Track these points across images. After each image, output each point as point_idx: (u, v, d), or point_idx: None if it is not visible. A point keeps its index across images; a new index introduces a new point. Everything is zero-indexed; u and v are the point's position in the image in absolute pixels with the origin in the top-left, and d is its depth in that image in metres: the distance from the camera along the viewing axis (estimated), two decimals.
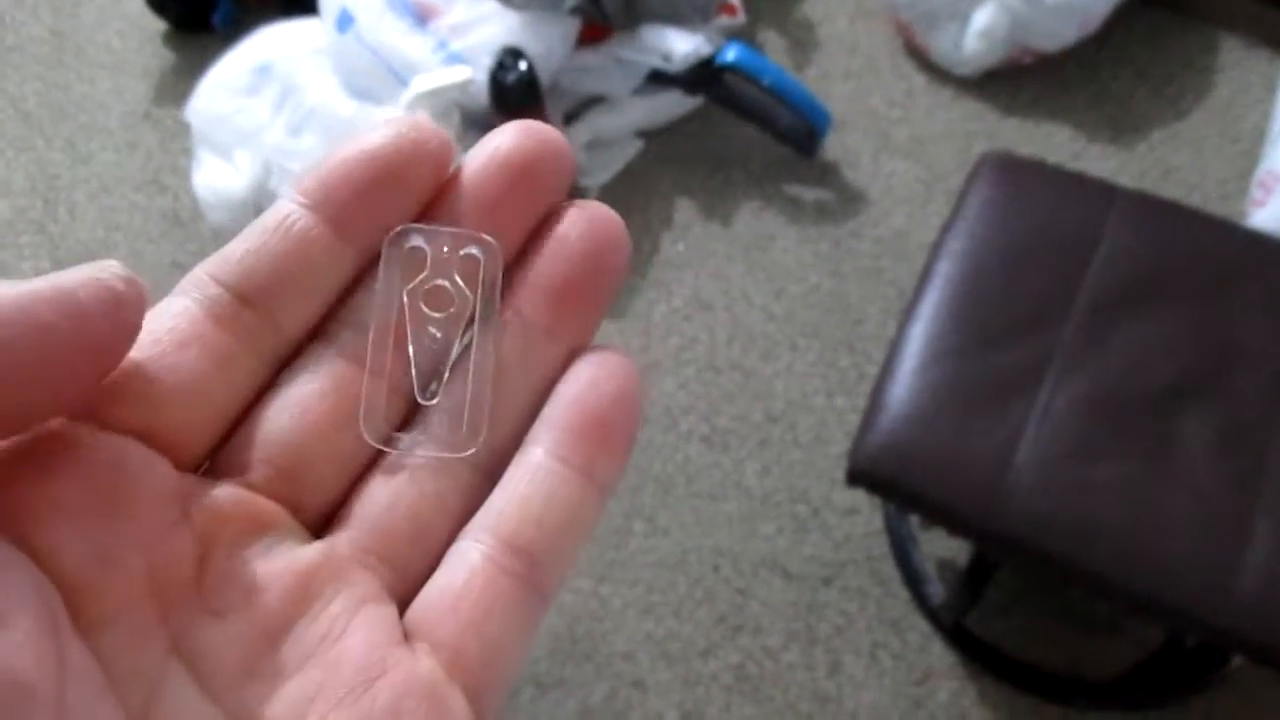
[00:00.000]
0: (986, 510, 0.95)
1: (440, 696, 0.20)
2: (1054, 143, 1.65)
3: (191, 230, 1.67)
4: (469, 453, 0.22)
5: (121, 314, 0.20)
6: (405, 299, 0.23)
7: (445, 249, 0.22)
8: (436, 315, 0.23)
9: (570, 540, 0.22)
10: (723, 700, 1.27)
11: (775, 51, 1.79)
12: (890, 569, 1.33)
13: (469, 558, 0.21)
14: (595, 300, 0.23)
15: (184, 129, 1.60)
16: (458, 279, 0.23)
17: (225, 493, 0.21)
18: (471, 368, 0.22)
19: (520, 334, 0.23)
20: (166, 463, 0.20)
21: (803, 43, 1.80)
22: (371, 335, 0.22)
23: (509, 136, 0.23)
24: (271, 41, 1.57)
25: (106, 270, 0.20)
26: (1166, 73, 1.70)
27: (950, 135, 1.67)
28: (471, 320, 0.23)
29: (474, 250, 0.23)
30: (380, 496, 0.22)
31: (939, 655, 1.28)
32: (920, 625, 1.30)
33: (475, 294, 0.23)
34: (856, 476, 1.01)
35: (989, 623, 1.28)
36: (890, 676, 1.27)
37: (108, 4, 1.95)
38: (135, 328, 0.20)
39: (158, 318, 0.22)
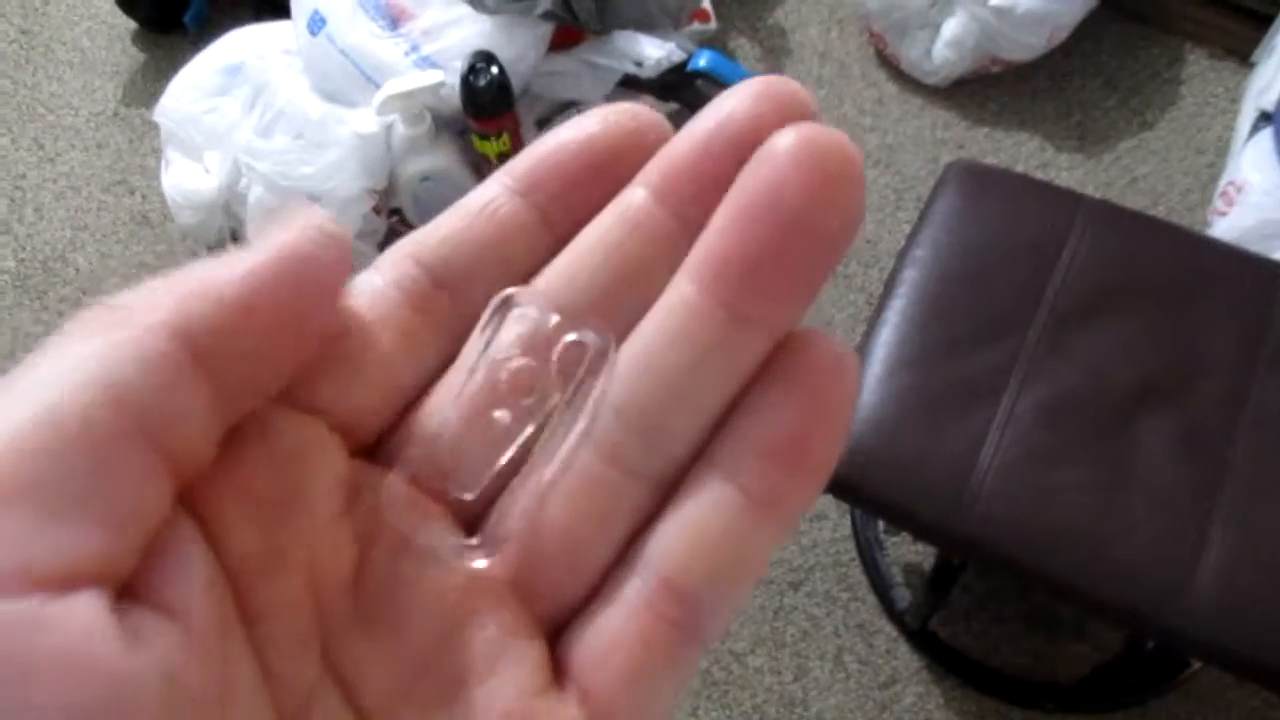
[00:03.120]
0: (950, 515, 0.96)
1: None
2: (1022, 151, 1.67)
3: (160, 231, 1.66)
4: (477, 565, 0.19)
5: (337, 275, 0.19)
6: (482, 370, 0.19)
7: (552, 324, 0.19)
8: (509, 399, 0.19)
9: (741, 584, 0.19)
10: (689, 705, 1.27)
11: (747, 58, 1.79)
12: (857, 574, 1.34)
13: (628, 597, 0.19)
14: (805, 277, 0.19)
15: (153, 129, 1.59)
16: (553, 364, 0.19)
17: (391, 487, 0.19)
18: (526, 469, 0.19)
19: (707, 317, 0.19)
20: (342, 449, 0.19)
21: (775, 49, 1.80)
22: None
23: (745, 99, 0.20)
24: (242, 42, 1.56)
25: (323, 230, 0.18)
26: (1133, 83, 1.72)
27: (920, 143, 1.69)
28: (549, 416, 0.19)
29: (584, 336, 0.19)
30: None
31: (905, 659, 1.29)
32: (886, 630, 1.30)
33: (566, 388, 0.19)
34: None
35: (954, 627, 1.29)
36: (856, 680, 1.28)
37: (77, 3, 1.94)
38: (340, 292, 0.19)
39: (350, 294, 0.20)
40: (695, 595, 0.19)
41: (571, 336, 0.19)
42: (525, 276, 0.21)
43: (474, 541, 0.19)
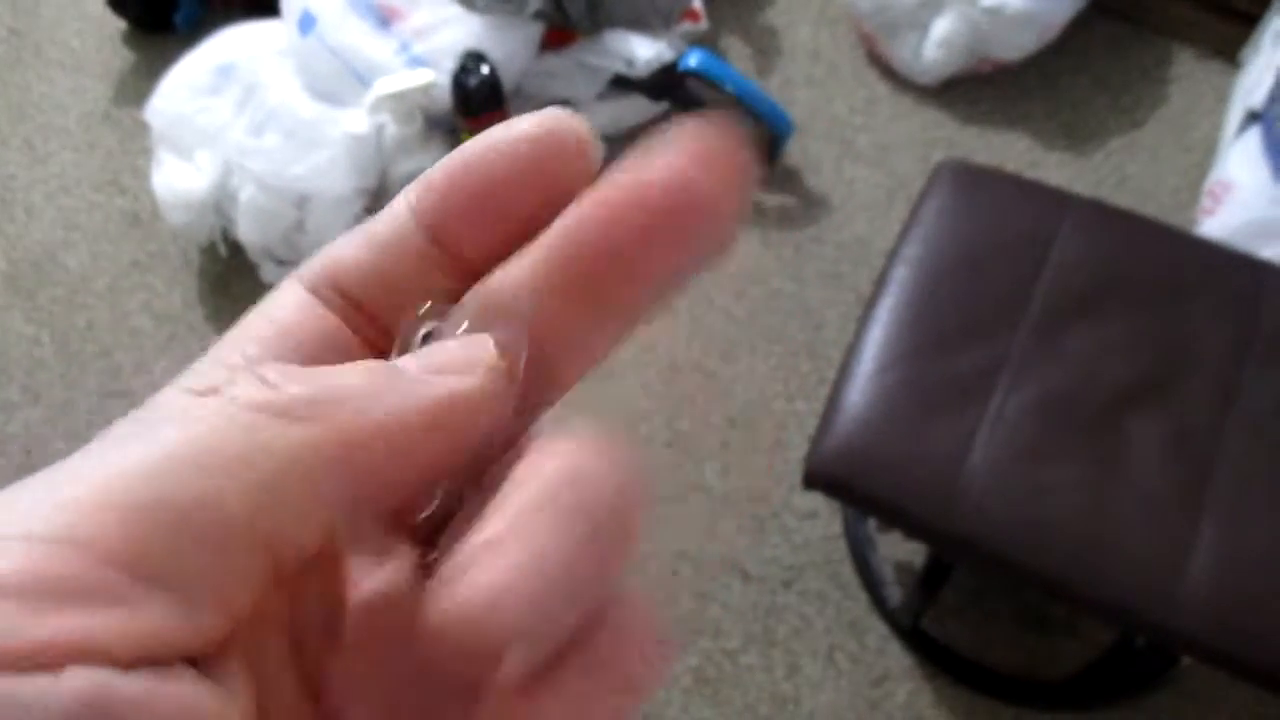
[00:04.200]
0: (940, 512, 0.96)
1: None
2: (1013, 151, 1.67)
3: (151, 230, 1.66)
4: None
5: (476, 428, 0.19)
6: None
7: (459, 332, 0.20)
8: None
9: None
10: (681, 702, 1.28)
11: (738, 58, 1.80)
12: (849, 572, 1.34)
13: None
14: None
15: (143, 129, 1.59)
16: None
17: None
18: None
19: None
20: None
21: (766, 49, 1.81)
22: None
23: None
24: (234, 42, 1.56)
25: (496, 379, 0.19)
26: (1122, 83, 1.73)
27: (911, 143, 1.69)
28: None
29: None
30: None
31: (896, 657, 1.29)
32: (878, 627, 1.31)
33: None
34: (813, 479, 1.01)
35: (946, 625, 1.29)
36: (848, 678, 1.28)
37: (67, 3, 1.93)
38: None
39: (279, 305, 0.21)
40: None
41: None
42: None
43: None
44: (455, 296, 0.20)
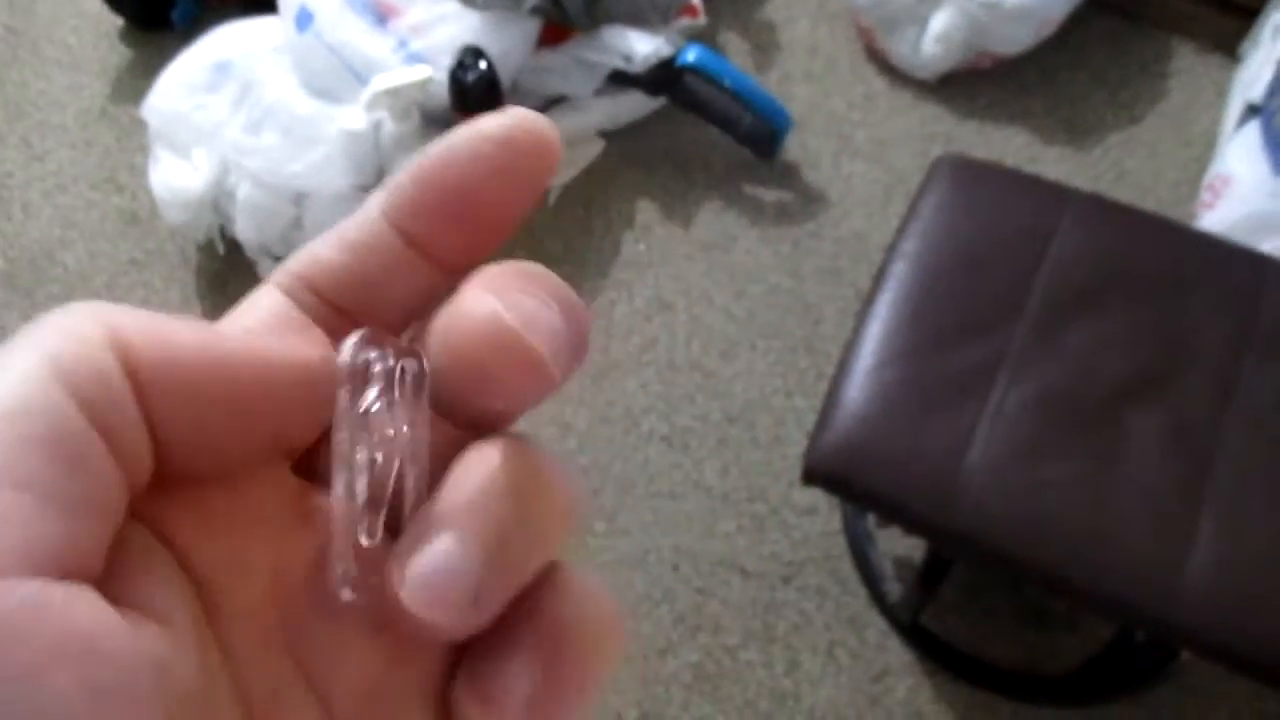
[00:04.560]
0: (939, 508, 0.96)
1: None
2: (1011, 145, 1.67)
3: (148, 228, 1.65)
4: (344, 597, 0.19)
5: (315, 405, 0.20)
6: (363, 430, 0.20)
7: (390, 363, 0.20)
8: (375, 439, 0.20)
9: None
10: (681, 699, 1.28)
11: (736, 53, 1.79)
12: (848, 568, 1.34)
13: None
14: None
15: (141, 127, 1.58)
16: (399, 398, 0.20)
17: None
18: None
19: None
20: (285, 466, 0.20)
21: (764, 45, 1.80)
22: (334, 465, 0.20)
23: None
24: (231, 39, 1.56)
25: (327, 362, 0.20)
26: (1121, 77, 1.72)
27: (909, 138, 1.69)
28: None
29: (409, 365, 0.20)
30: None
31: (896, 653, 1.29)
32: (877, 623, 1.31)
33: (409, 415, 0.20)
34: (812, 475, 1.01)
35: (945, 620, 1.29)
36: (848, 674, 1.28)
37: (64, 1, 1.93)
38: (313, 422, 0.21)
39: (254, 308, 0.21)
40: None
41: (404, 365, 0.20)
42: (402, 307, 0.21)
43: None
44: (428, 295, 0.21)
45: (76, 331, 0.17)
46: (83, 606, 0.15)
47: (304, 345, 0.20)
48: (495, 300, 0.19)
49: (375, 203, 0.21)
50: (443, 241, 0.21)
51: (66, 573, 0.15)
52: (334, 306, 0.21)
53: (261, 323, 0.21)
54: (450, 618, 0.18)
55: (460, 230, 0.21)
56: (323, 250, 0.21)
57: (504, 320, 0.19)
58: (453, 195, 0.20)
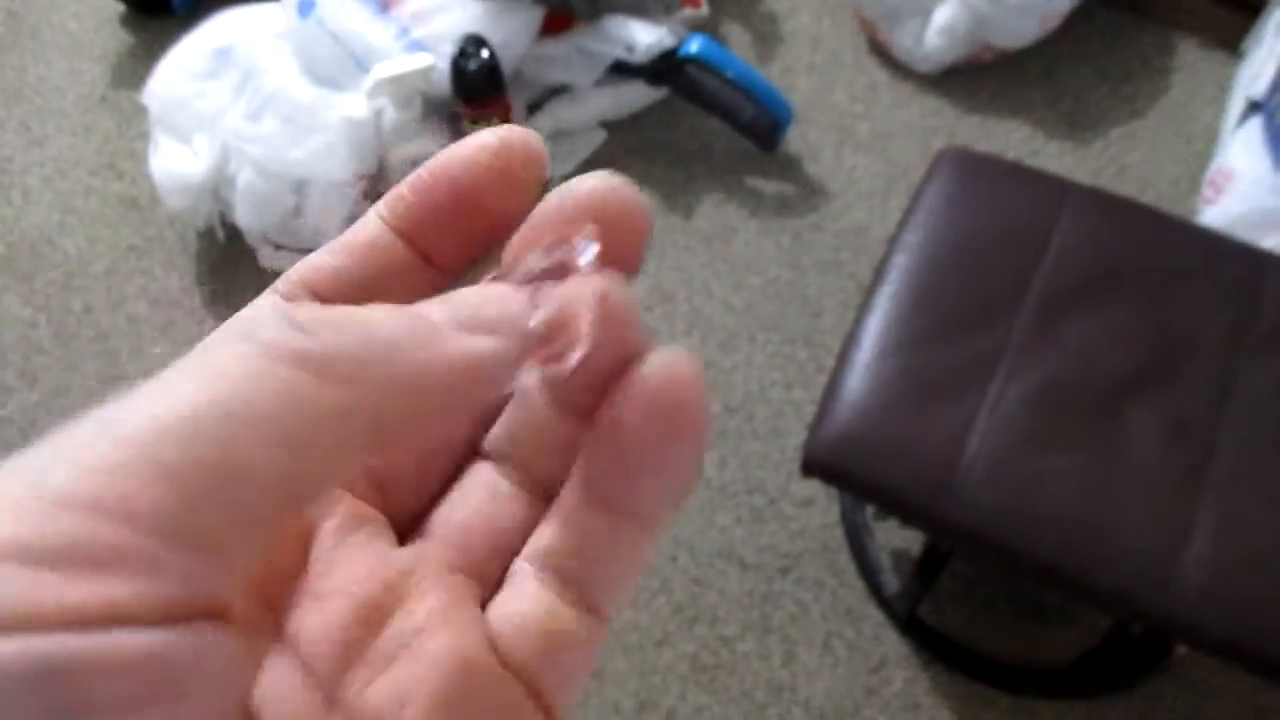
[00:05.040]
0: (938, 500, 0.96)
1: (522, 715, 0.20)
2: (1013, 139, 1.67)
3: (148, 215, 1.65)
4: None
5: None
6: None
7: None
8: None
9: (618, 575, 0.21)
10: (678, 689, 1.28)
11: (739, 45, 1.79)
12: (846, 560, 1.34)
13: (529, 583, 0.21)
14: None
15: (141, 112, 1.58)
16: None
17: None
18: None
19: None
20: None
21: (766, 36, 1.80)
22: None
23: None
24: (232, 25, 1.56)
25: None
26: (1124, 72, 1.72)
27: (911, 130, 1.69)
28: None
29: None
30: (460, 514, 0.22)
31: (893, 645, 1.29)
32: (874, 615, 1.31)
33: None
34: (811, 466, 1.01)
35: (942, 613, 1.29)
36: (844, 666, 1.29)
37: None
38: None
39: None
40: (581, 581, 0.21)
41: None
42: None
43: None
44: (427, 297, 0.21)
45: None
46: (188, 641, 0.15)
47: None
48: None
49: (375, 210, 0.22)
50: (442, 244, 0.22)
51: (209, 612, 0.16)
52: None
53: None
54: None
55: (458, 232, 0.22)
56: (322, 256, 0.22)
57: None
58: (450, 199, 0.22)
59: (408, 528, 0.22)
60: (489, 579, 0.21)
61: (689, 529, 1.37)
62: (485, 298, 0.20)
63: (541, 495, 0.22)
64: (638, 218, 0.22)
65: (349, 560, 0.20)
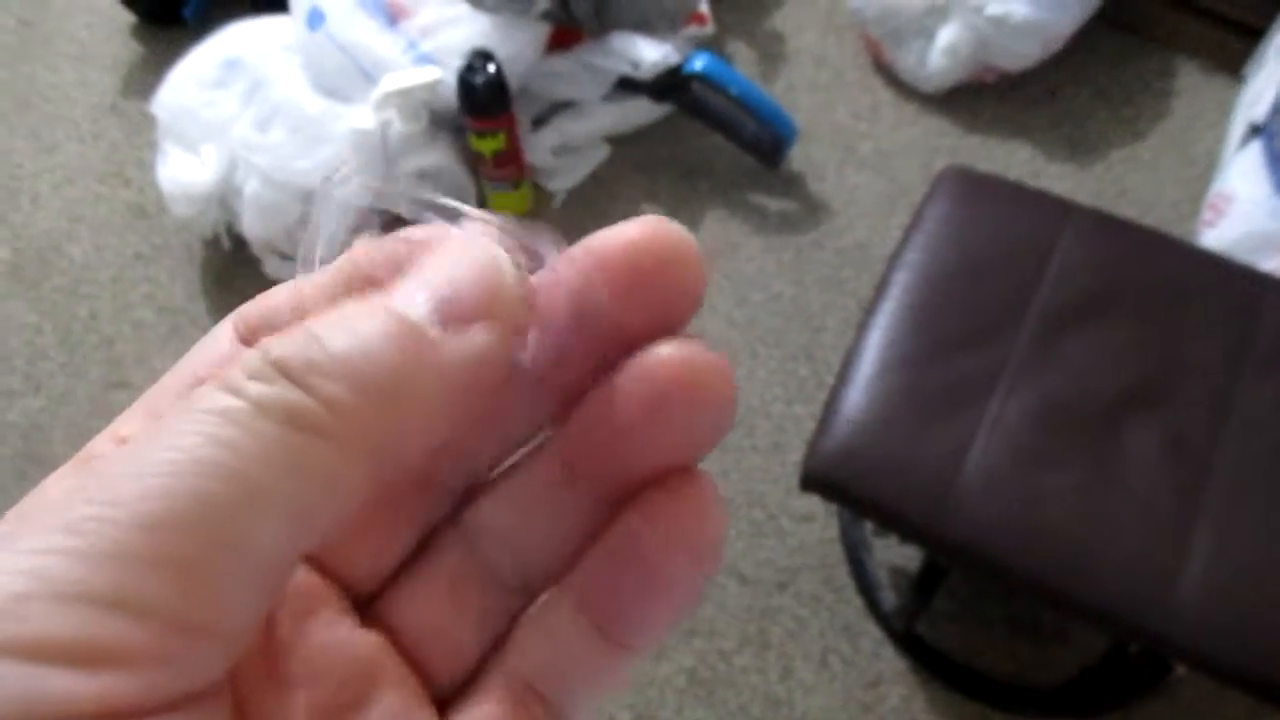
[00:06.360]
0: (936, 517, 0.97)
1: None
2: (1014, 160, 1.68)
3: (155, 223, 1.66)
4: None
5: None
6: None
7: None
8: None
9: (592, 698, 0.20)
10: (675, 703, 1.28)
11: (744, 62, 1.80)
12: (844, 575, 1.34)
13: (499, 693, 0.20)
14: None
15: (150, 122, 1.59)
16: None
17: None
18: None
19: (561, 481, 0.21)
20: None
21: (771, 54, 1.81)
22: None
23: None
24: (241, 36, 1.57)
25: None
26: (1125, 95, 1.73)
27: (914, 150, 1.70)
28: None
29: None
30: (417, 603, 0.21)
31: (890, 661, 1.29)
32: (872, 631, 1.31)
33: None
34: (810, 481, 1.02)
35: (939, 630, 1.29)
36: (841, 681, 1.29)
37: None
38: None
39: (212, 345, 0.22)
40: (552, 699, 0.20)
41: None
42: None
43: None
44: None
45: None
46: None
47: None
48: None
49: (341, 258, 0.22)
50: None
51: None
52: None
53: (221, 363, 0.20)
54: None
55: None
56: (281, 293, 0.21)
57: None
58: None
59: (373, 584, 0.21)
60: (454, 671, 0.21)
61: None
62: (459, 264, 0.18)
63: (519, 587, 0.21)
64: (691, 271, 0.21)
65: (309, 646, 0.20)
